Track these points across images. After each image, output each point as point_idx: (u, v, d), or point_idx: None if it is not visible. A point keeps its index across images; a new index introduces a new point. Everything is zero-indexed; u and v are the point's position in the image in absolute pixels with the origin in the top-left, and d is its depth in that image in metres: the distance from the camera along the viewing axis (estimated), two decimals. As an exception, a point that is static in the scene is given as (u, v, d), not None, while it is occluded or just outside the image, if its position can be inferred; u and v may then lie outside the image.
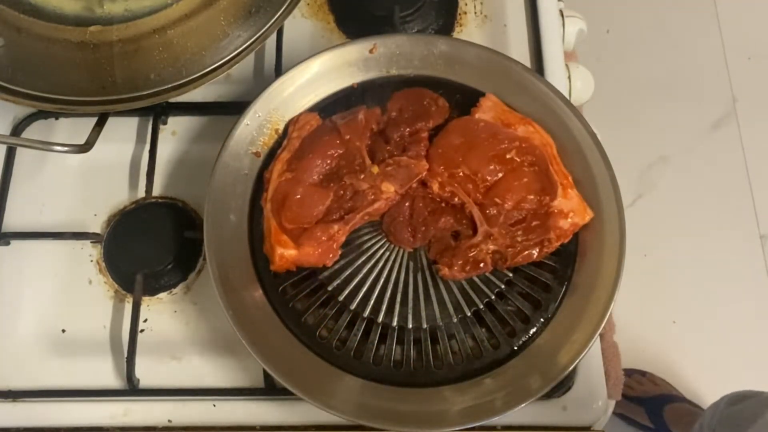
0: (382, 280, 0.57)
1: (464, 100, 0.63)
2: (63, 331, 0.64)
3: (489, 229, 0.57)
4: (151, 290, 0.64)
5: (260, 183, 0.60)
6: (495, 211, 0.58)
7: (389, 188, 0.58)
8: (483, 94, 0.62)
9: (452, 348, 0.55)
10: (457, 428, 0.53)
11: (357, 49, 0.63)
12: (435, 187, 0.59)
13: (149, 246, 0.65)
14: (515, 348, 0.55)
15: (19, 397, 0.61)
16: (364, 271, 0.58)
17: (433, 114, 0.62)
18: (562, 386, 0.60)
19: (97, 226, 0.67)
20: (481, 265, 0.56)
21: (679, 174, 1.53)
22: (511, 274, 0.58)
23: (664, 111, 1.57)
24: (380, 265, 0.58)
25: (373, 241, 0.59)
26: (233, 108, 0.68)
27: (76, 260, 0.66)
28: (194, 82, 0.63)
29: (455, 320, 0.56)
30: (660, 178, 1.53)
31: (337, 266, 0.57)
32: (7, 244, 0.67)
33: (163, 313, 0.64)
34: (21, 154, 0.70)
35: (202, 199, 0.60)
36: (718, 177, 1.53)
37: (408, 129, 0.61)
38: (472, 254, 0.56)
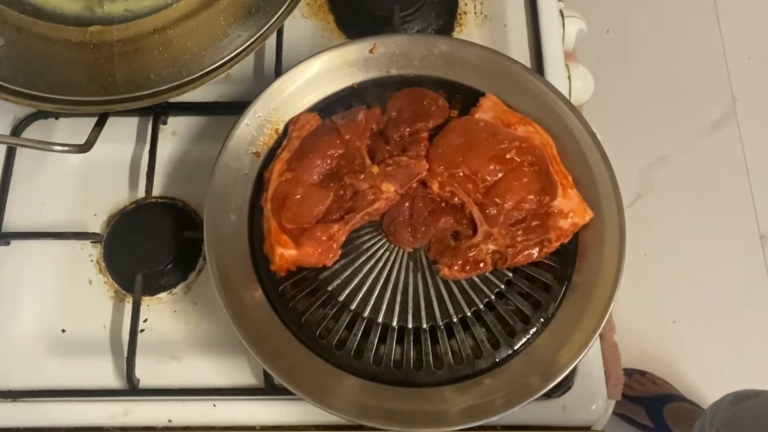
0: (382, 280, 0.57)
1: (464, 100, 0.63)
2: (63, 331, 0.64)
3: (489, 229, 0.57)
4: (151, 290, 0.64)
5: (260, 183, 0.60)
6: (495, 211, 0.58)
7: (389, 188, 0.58)
8: (483, 94, 0.62)
9: (452, 348, 0.55)
10: (457, 428, 0.53)
11: (357, 49, 0.63)
12: (435, 187, 0.59)
13: (149, 246, 0.65)
14: (515, 348, 0.55)
15: (19, 397, 0.61)
16: (364, 271, 0.58)
17: (433, 114, 0.62)
18: (562, 386, 0.60)
19: (97, 226, 0.67)
20: (481, 265, 0.56)
21: (679, 174, 1.53)
22: (511, 274, 0.58)
23: (664, 111, 1.57)
24: (380, 265, 0.58)
25: (373, 241, 0.59)
26: (233, 108, 0.68)
27: (76, 260, 0.66)
28: (194, 82, 0.63)
29: (455, 320, 0.56)
30: (660, 178, 1.53)
31: (337, 266, 0.57)
32: (7, 244, 0.67)
33: (163, 313, 0.64)
34: (21, 154, 0.70)
35: (202, 199, 0.60)
36: (718, 177, 1.53)
37: (408, 129, 0.61)
38: (472, 254, 0.56)
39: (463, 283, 0.57)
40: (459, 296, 0.57)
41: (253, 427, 0.60)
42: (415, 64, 0.64)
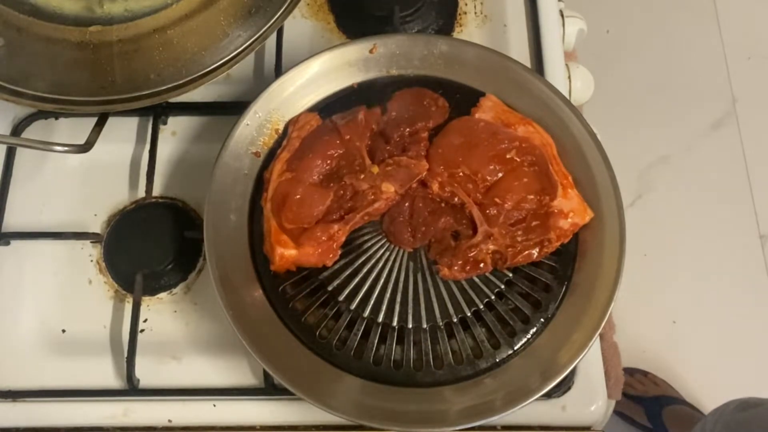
0: (382, 280, 0.57)
1: (464, 100, 0.63)
2: (63, 331, 0.64)
3: (489, 229, 0.57)
4: (151, 290, 0.64)
5: (260, 183, 0.60)
6: (495, 211, 0.58)
7: (389, 188, 0.58)
8: (483, 94, 0.63)
9: (452, 348, 0.55)
10: (457, 428, 0.53)
11: (357, 49, 0.63)
12: (435, 187, 0.59)
13: (149, 246, 0.65)
14: (515, 348, 0.55)
15: (19, 397, 0.61)
16: (364, 271, 0.58)
17: (433, 114, 0.62)
18: (562, 386, 0.60)
19: (97, 226, 0.67)
20: (481, 265, 0.56)
21: (679, 174, 1.53)
22: (511, 274, 0.58)
23: (664, 111, 1.57)
24: (380, 265, 0.58)
25: (373, 241, 0.59)
26: (233, 108, 0.68)
27: (76, 260, 0.66)
28: (194, 82, 0.63)
29: (455, 320, 0.56)
30: (660, 178, 1.53)
31: (337, 266, 0.57)
32: (7, 244, 0.67)
33: (163, 313, 0.64)
34: (21, 154, 0.70)
35: (202, 199, 0.60)
36: (718, 177, 1.53)
37: (408, 129, 0.61)
38: (472, 254, 0.56)
39: (463, 283, 0.57)
40: (459, 296, 0.57)
41: (253, 427, 0.60)
42: (415, 64, 0.64)
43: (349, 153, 0.60)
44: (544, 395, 0.53)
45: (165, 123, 0.70)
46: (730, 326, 1.40)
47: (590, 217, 0.58)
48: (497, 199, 0.58)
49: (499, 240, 0.57)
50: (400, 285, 0.57)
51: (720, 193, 1.51)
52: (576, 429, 0.60)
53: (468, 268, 0.56)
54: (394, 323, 0.56)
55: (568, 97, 0.70)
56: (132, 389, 0.60)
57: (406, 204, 0.59)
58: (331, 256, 0.57)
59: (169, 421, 0.60)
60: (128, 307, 0.64)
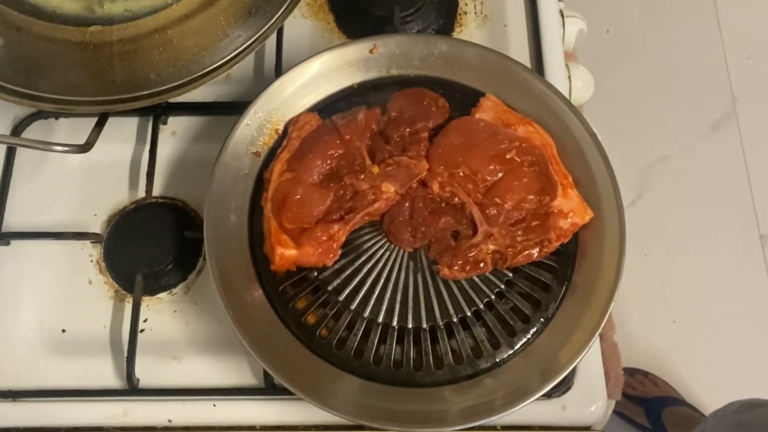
0: (382, 280, 0.57)
1: (464, 100, 0.63)
2: (63, 331, 0.64)
3: (489, 229, 0.57)
4: (151, 290, 0.64)
5: (260, 183, 0.60)
6: (495, 211, 0.58)
7: (389, 188, 0.58)
8: (483, 94, 0.63)
9: (452, 348, 0.55)
10: (457, 428, 0.53)
11: (357, 49, 0.63)
12: (435, 187, 0.59)
13: (149, 246, 0.65)
14: (515, 348, 0.55)
15: (19, 397, 0.61)
16: (364, 271, 0.58)
17: (433, 114, 0.62)
18: (562, 386, 0.60)
19: (97, 226, 0.67)
20: (481, 265, 0.56)
21: (679, 174, 1.53)
22: (511, 274, 0.58)
23: (664, 111, 1.57)
24: (380, 265, 0.58)
25: (373, 241, 0.59)
26: (233, 108, 0.68)
27: (76, 260, 0.66)
28: (194, 82, 0.63)
29: (455, 320, 0.56)
30: (660, 178, 1.53)
31: (337, 266, 0.57)
32: (7, 244, 0.67)
33: (163, 313, 0.64)
34: (21, 154, 0.70)
35: (202, 199, 0.60)
36: (718, 177, 1.53)
37: (408, 129, 0.61)
38: (472, 254, 0.56)
39: (463, 283, 0.57)
40: (459, 296, 0.57)
41: (253, 427, 0.60)
42: (415, 64, 0.64)
43: (349, 153, 0.60)
44: (544, 395, 0.53)
45: (165, 123, 0.70)
46: (730, 326, 1.40)
47: (590, 217, 0.58)
48: (497, 199, 0.58)
49: (499, 240, 0.57)
50: (400, 285, 0.57)
51: (720, 193, 1.51)
52: (576, 429, 0.60)
53: (468, 268, 0.56)
54: (394, 323, 0.56)
55: (568, 97, 0.70)
56: (132, 389, 0.60)
57: (406, 204, 0.59)
58: (331, 256, 0.57)
59: (169, 421, 0.60)
60: (128, 307, 0.64)
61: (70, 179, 0.69)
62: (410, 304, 0.56)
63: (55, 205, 0.68)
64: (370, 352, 0.55)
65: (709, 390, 1.34)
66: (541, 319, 0.56)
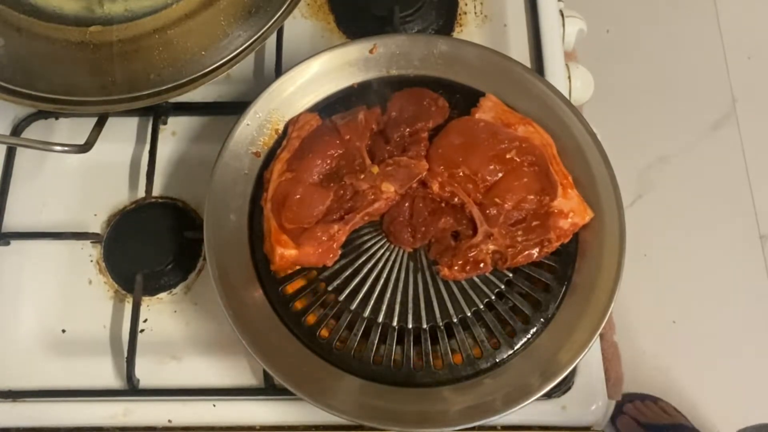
0: (382, 280, 0.57)
1: (464, 100, 0.63)
2: (63, 331, 0.64)
3: (489, 229, 0.57)
4: (151, 290, 0.64)
5: (260, 183, 0.60)
6: (495, 211, 0.58)
7: (389, 188, 0.58)
8: (483, 94, 0.62)
9: (452, 348, 0.55)
10: (457, 428, 0.53)
11: (357, 49, 0.63)
12: (435, 187, 0.59)
13: (149, 246, 0.65)
14: (515, 348, 0.55)
15: (19, 397, 0.61)
16: (364, 271, 0.58)
17: (433, 114, 0.62)
18: (562, 386, 0.60)
19: (97, 226, 0.67)
20: (481, 265, 0.56)
21: (679, 174, 1.53)
22: (511, 274, 0.58)
23: (664, 111, 1.57)
24: (380, 265, 0.58)
25: (373, 241, 0.59)
26: (233, 108, 0.68)
27: (76, 260, 0.66)
28: (194, 82, 0.63)
29: (455, 320, 0.56)
30: (660, 178, 1.53)
31: (337, 266, 0.57)
32: (7, 244, 0.67)
33: (163, 313, 0.64)
34: (21, 154, 0.70)
35: (202, 199, 0.60)
36: (718, 177, 1.53)
37: (408, 129, 0.61)
38: (472, 254, 0.56)
39: (463, 283, 0.57)
40: (459, 296, 0.57)
41: (253, 427, 0.60)
42: (415, 64, 0.64)
43: (349, 153, 0.60)
44: (544, 395, 0.53)
45: (165, 123, 0.70)
46: (730, 326, 1.40)
47: (590, 217, 0.58)
48: (497, 199, 0.58)
49: (499, 240, 0.57)
50: (400, 285, 0.57)
51: (720, 193, 1.51)
52: (576, 429, 0.60)
53: (468, 268, 0.56)
54: (394, 323, 0.56)
55: (568, 97, 0.70)
56: (132, 389, 0.60)
57: (406, 204, 0.59)
58: (331, 256, 0.57)
59: (169, 421, 0.60)
60: (128, 307, 0.64)
61: (70, 179, 0.69)
62: (410, 304, 0.56)
63: (55, 205, 0.68)
64: (370, 352, 0.55)
65: (709, 389, 1.34)
66: (541, 319, 0.56)
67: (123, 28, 0.64)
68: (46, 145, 0.61)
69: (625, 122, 1.53)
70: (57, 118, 0.71)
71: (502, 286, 0.57)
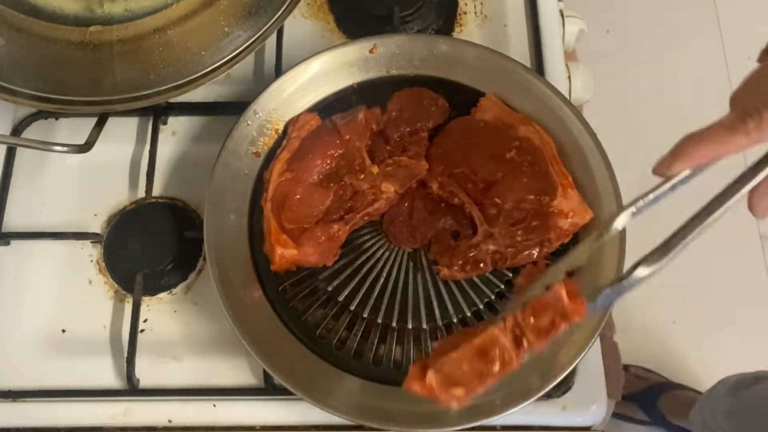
0: (382, 280, 0.57)
1: (464, 100, 0.63)
2: (63, 331, 0.64)
3: (489, 229, 0.57)
4: (151, 290, 0.64)
5: (260, 183, 0.60)
6: (495, 211, 0.58)
7: (389, 188, 0.58)
8: (483, 94, 0.63)
9: (452, 348, 0.55)
10: (457, 428, 0.53)
11: (357, 49, 0.63)
12: (435, 187, 0.59)
13: (149, 246, 0.65)
14: (515, 348, 0.55)
15: (19, 397, 0.61)
16: (364, 271, 0.58)
17: (433, 114, 0.62)
18: (562, 386, 0.60)
19: (97, 226, 0.67)
20: (481, 265, 0.56)
21: (679, 174, 1.53)
22: (511, 274, 0.58)
23: (664, 111, 1.57)
24: (380, 265, 0.58)
25: (373, 241, 0.59)
26: (233, 108, 0.68)
27: (76, 260, 0.66)
28: (194, 82, 0.63)
29: (455, 320, 0.56)
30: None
31: (337, 266, 0.57)
32: (7, 244, 0.67)
33: (163, 313, 0.64)
34: (21, 154, 0.70)
35: (202, 199, 0.60)
36: (718, 177, 1.53)
37: (408, 129, 0.61)
38: (472, 254, 0.56)
39: (463, 283, 0.57)
40: (459, 296, 0.57)
41: (253, 427, 0.60)
42: (415, 64, 0.64)
43: (349, 153, 0.60)
44: (544, 395, 0.53)
45: (165, 123, 0.70)
46: (730, 326, 1.40)
47: (590, 217, 0.58)
48: (497, 199, 0.58)
49: (499, 240, 0.57)
50: (400, 285, 0.57)
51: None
52: (576, 429, 0.59)
53: (468, 268, 0.56)
54: (394, 323, 0.56)
55: (568, 97, 0.70)
56: (132, 389, 0.60)
57: (406, 204, 0.59)
58: (331, 256, 0.57)
59: (169, 421, 0.60)
60: (128, 307, 0.64)
61: (70, 179, 0.69)
62: (410, 304, 0.56)
63: (55, 205, 0.68)
64: (370, 352, 0.55)
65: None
66: (541, 319, 0.56)
67: (123, 28, 0.64)
68: (46, 145, 0.61)
69: (625, 122, 1.52)
70: (57, 118, 0.71)
71: (502, 286, 0.57)
